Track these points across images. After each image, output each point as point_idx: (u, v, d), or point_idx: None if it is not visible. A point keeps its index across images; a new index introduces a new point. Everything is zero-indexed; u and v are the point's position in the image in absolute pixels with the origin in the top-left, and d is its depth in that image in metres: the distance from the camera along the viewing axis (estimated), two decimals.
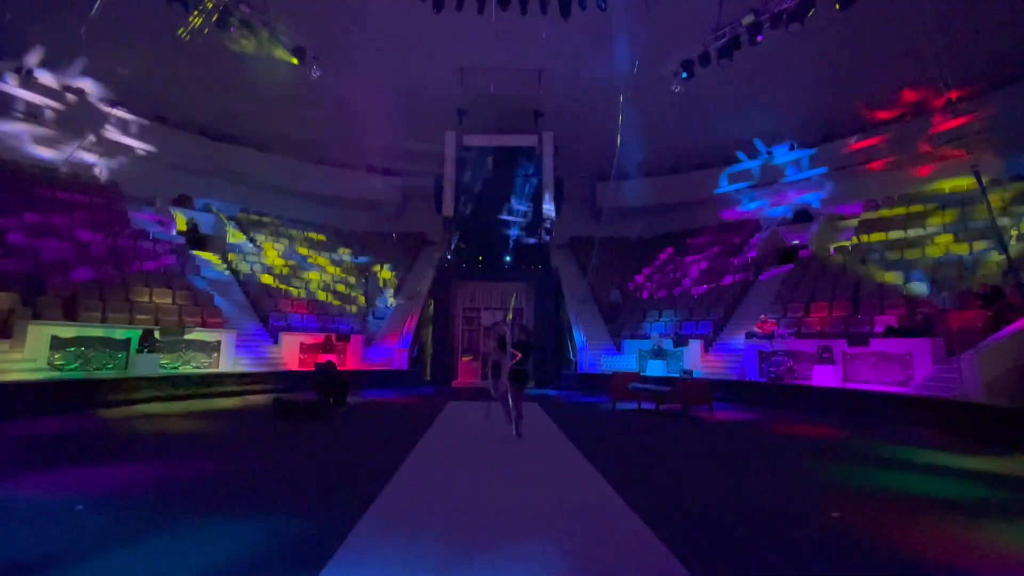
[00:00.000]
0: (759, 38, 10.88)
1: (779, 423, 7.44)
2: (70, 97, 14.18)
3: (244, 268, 14.55)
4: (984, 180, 9.14)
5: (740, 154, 18.19)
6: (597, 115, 15.78)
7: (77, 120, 14.29)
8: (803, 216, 16.07)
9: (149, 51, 13.40)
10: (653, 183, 19.44)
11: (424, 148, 17.87)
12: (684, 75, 12.41)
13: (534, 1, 11.72)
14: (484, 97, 15.86)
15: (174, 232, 14.50)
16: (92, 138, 14.61)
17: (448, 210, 16.40)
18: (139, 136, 15.69)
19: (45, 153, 13.96)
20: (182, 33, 10.72)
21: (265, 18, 11.27)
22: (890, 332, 9.17)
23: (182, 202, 16.05)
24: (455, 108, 16.24)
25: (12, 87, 13.23)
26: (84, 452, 4.76)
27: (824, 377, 9.38)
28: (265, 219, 18.09)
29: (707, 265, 16.25)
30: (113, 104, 14.96)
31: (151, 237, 13.01)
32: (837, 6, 10.18)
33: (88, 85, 14.55)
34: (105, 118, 14.79)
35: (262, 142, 17.95)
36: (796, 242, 15.22)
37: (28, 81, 13.52)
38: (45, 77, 13.83)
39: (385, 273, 17.56)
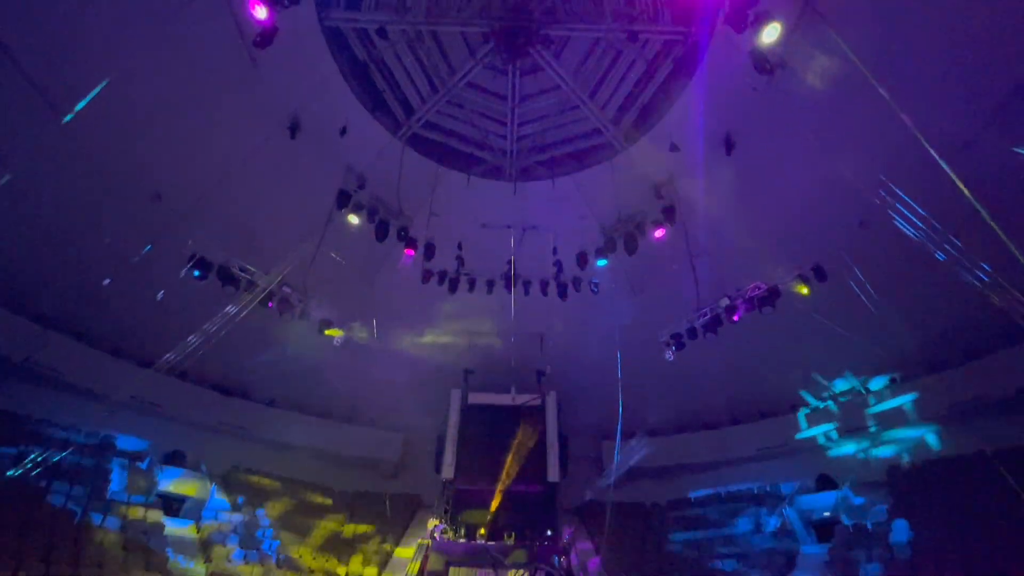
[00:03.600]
0: (735, 318, 12.12)
1: None
2: None
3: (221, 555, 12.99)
4: None
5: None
6: (599, 376, 16.48)
7: None
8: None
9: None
10: (663, 442, 18.94)
11: (428, 404, 18.17)
12: (675, 348, 13.44)
13: (536, 285, 13.66)
14: (489, 358, 16.93)
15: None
16: None
17: (448, 472, 15.64)
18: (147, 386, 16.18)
19: None
20: (230, 310, 12.18)
21: (302, 296, 12.95)
22: None
23: (174, 458, 15.50)
24: (462, 368, 17.18)
25: None
26: None
27: None
28: (254, 478, 17.13)
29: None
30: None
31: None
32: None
33: None
34: None
35: (270, 398, 18.37)
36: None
37: None
38: None
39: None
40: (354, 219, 12.63)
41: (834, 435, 15.20)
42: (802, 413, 15.78)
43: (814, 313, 12.38)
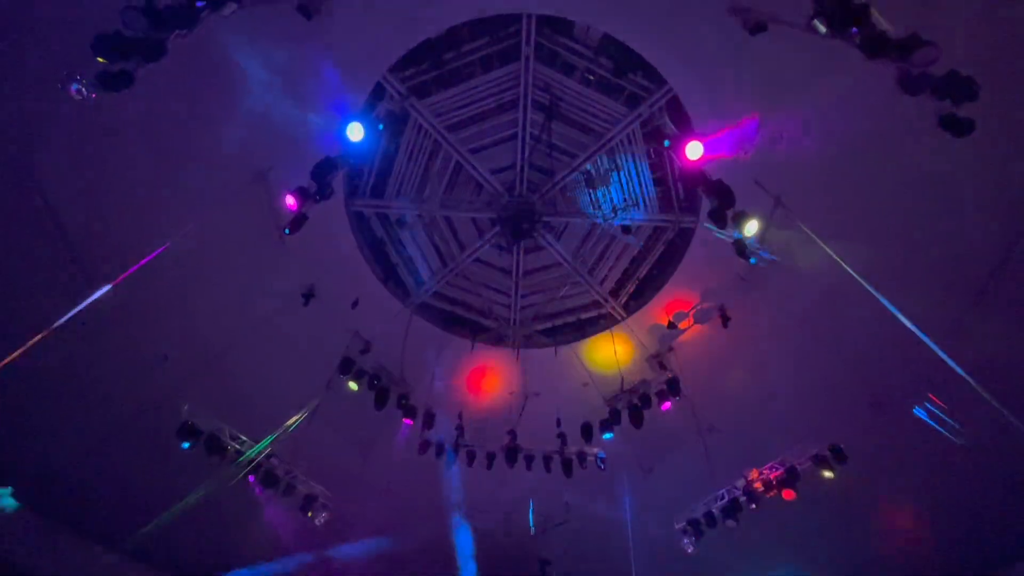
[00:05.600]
0: (752, 506, 11.19)
1: None
2: None
3: None
4: None
5: None
6: (610, 565, 14.62)
7: None
8: None
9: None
10: None
11: None
12: (693, 537, 12.14)
13: (539, 459, 12.88)
14: (487, 543, 15.24)
15: None
16: None
17: None
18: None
19: None
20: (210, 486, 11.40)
21: (289, 468, 12.21)
22: None
23: None
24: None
25: None
26: None
27: None
28: None
29: None
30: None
31: None
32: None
33: None
34: None
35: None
36: None
37: None
38: None
39: None
40: (354, 386, 12.51)
41: None
42: None
43: None
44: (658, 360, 12.96)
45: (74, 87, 6.63)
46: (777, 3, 7.74)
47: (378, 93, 11.16)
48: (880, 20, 6.17)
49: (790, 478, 10.97)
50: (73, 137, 9.06)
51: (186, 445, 10.83)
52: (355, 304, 12.64)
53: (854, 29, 6.18)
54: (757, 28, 8.40)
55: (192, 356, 12.50)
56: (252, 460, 11.27)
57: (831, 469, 10.70)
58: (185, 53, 7.10)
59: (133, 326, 11.98)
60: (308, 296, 12.94)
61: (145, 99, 7.15)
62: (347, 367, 12.47)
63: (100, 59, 6.35)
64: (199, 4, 6.45)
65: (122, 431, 11.62)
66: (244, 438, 11.61)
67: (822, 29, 6.39)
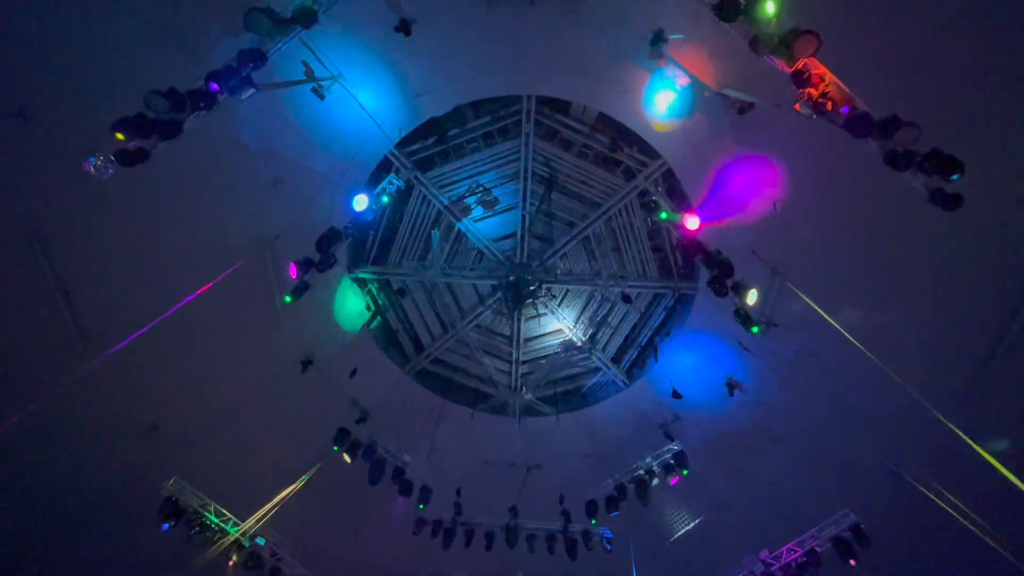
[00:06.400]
0: None
1: None
2: None
3: None
4: None
5: None
6: None
7: None
8: None
9: None
10: None
11: None
12: None
13: (541, 539, 12.10)
14: None
15: None
16: None
17: None
18: None
19: None
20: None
21: (275, 549, 11.45)
22: None
23: None
24: None
25: None
26: None
27: None
28: None
29: None
30: None
31: None
32: None
33: None
34: None
35: None
36: None
37: None
38: None
39: None
40: (347, 458, 12.00)
41: None
42: None
43: None
44: (665, 431, 12.50)
45: (90, 162, 6.87)
46: (762, 87, 8.20)
47: (385, 165, 11.63)
48: (860, 103, 6.48)
49: (811, 563, 10.17)
50: (83, 208, 9.24)
51: (166, 526, 10.19)
52: (353, 373, 12.44)
53: (846, 109, 6.46)
54: (744, 109, 8.89)
55: (182, 425, 12.11)
56: (236, 540, 10.58)
57: (854, 555, 9.92)
58: (198, 128, 7.42)
59: (125, 394, 11.70)
60: (306, 363, 12.76)
61: (156, 171, 7.34)
62: (343, 438, 12.03)
63: (119, 136, 6.64)
64: (219, 90, 6.84)
65: (101, 509, 11.02)
66: (229, 515, 10.98)
67: (806, 112, 6.71)
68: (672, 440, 12.49)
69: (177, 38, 8.18)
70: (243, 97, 7.12)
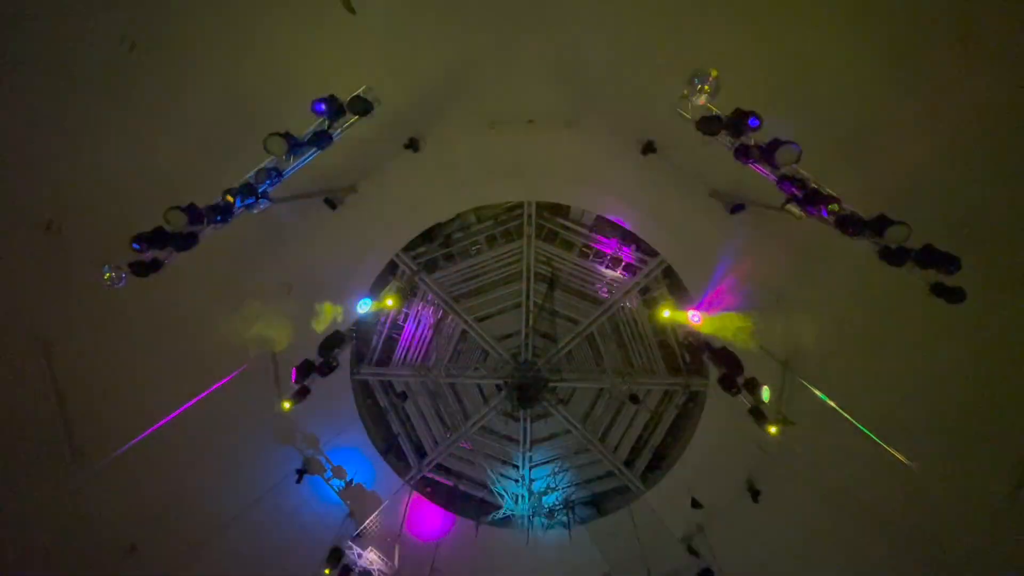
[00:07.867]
0: None
1: None
2: None
3: None
4: None
5: None
6: None
7: None
8: None
9: None
10: None
11: None
12: None
13: None
14: None
15: None
16: None
17: None
18: None
19: None
20: None
21: None
22: None
23: None
24: None
25: None
26: None
27: None
28: None
29: None
30: None
31: None
32: None
33: None
34: None
35: None
36: None
37: None
38: None
39: None
40: None
41: None
42: None
43: None
44: (688, 545, 11.42)
45: (105, 271, 7.05)
46: (753, 188, 8.57)
47: (390, 268, 11.93)
48: (848, 205, 6.72)
49: None
50: (87, 317, 9.28)
51: None
52: (349, 483, 11.76)
53: (824, 212, 6.70)
54: (736, 209, 9.25)
55: (165, 546, 11.17)
56: None
57: None
58: (209, 239, 7.66)
59: (107, 510, 10.97)
60: (302, 472, 12.11)
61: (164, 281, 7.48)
62: (336, 558, 11.05)
63: (135, 248, 6.88)
64: (236, 205, 7.22)
65: None
66: None
67: (796, 212, 6.94)
68: (696, 555, 11.38)
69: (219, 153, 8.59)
70: (257, 211, 7.48)
